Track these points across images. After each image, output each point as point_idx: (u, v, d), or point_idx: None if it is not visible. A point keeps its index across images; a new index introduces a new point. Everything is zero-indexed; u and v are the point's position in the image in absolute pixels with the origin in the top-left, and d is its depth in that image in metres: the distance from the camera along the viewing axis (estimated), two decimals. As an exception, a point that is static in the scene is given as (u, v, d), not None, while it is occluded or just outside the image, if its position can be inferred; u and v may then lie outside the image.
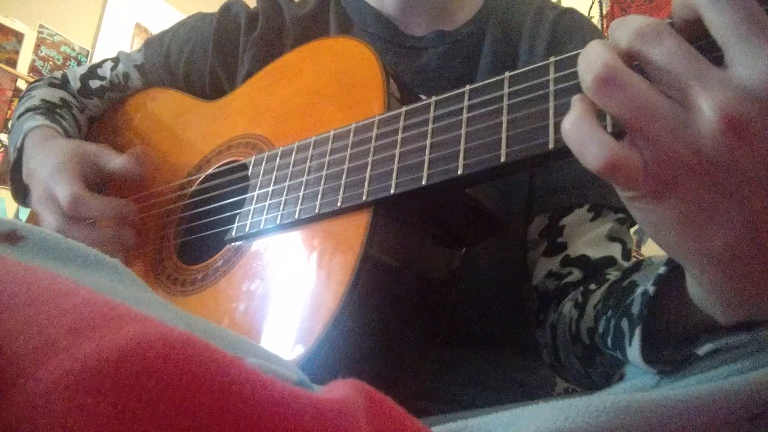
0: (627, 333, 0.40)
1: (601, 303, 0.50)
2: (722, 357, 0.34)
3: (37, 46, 2.90)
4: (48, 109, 0.81)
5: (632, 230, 0.65)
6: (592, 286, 0.56)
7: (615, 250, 0.59)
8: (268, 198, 0.55)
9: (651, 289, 0.38)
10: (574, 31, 0.70)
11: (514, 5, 0.75)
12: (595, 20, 2.16)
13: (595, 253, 0.60)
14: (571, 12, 0.74)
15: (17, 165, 0.75)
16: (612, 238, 0.60)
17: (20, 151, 0.74)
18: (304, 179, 0.53)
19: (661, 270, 0.38)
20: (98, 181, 0.71)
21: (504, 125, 0.41)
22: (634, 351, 0.38)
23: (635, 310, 0.39)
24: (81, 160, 0.68)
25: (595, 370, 0.51)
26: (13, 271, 0.22)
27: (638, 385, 0.37)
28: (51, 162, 0.67)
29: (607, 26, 2.12)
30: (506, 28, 0.72)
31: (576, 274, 0.60)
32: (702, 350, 0.34)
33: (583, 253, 0.60)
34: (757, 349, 0.33)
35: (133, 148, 0.72)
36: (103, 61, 0.90)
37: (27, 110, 0.81)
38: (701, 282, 0.34)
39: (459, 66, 0.70)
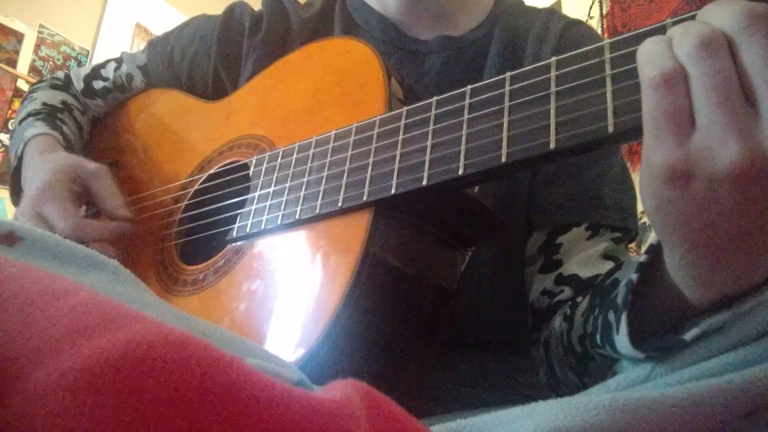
0: (614, 323, 0.40)
1: (587, 307, 0.50)
2: (711, 344, 0.34)
3: (37, 46, 2.90)
4: (49, 114, 0.81)
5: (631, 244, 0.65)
6: (579, 299, 0.57)
7: (606, 268, 0.59)
8: (269, 198, 0.55)
9: (634, 277, 0.39)
10: (580, 43, 0.69)
11: (521, 13, 0.75)
12: (595, 20, 2.16)
13: (586, 272, 0.60)
14: (579, 24, 0.74)
15: (18, 171, 0.75)
16: (606, 256, 0.61)
17: (20, 159, 0.74)
18: (305, 180, 0.53)
19: (642, 258, 0.39)
20: (87, 195, 0.70)
21: (505, 125, 0.41)
22: (622, 338, 0.38)
23: (620, 300, 0.40)
24: (69, 177, 0.67)
25: (590, 378, 0.52)
26: (14, 272, 0.22)
27: (631, 377, 0.37)
28: (40, 178, 0.66)
29: (608, 26, 2.12)
30: (512, 36, 0.71)
31: (567, 293, 0.60)
32: (688, 335, 0.35)
33: (575, 273, 0.60)
34: (745, 337, 0.33)
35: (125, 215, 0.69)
36: (107, 62, 0.90)
37: (29, 115, 0.81)
38: (685, 262, 0.34)
39: (463, 72, 0.70)
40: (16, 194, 0.77)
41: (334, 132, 0.53)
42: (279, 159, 0.57)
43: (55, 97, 0.86)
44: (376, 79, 0.54)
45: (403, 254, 0.49)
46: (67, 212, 0.63)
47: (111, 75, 0.87)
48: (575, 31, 0.72)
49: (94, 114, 0.91)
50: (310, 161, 0.53)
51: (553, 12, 0.76)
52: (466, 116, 0.44)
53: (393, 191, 0.46)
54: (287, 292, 0.50)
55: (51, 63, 2.95)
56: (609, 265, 0.60)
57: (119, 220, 0.68)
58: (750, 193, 0.29)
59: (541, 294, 0.63)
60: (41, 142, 0.75)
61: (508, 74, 0.43)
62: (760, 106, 0.28)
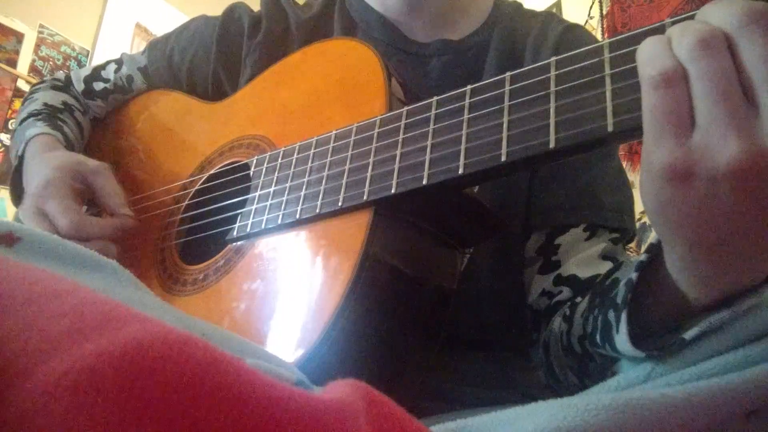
0: (614, 322, 0.40)
1: (586, 307, 0.50)
2: (711, 344, 0.34)
3: (38, 46, 2.90)
4: (50, 114, 0.81)
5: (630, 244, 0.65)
6: (578, 299, 0.57)
7: (605, 268, 0.60)
8: (270, 198, 0.55)
9: (633, 276, 0.39)
10: (579, 46, 0.70)
11: (520, 17, 0.75)
12: (595, 20, 2.16)
13: (585, 273, 0.60)
14: (577, 28, 0.74)
15: (19, 171, 0.75)
16: (605, 257, 0.61)
17: (21, 158, 0.75)
18: (305, 179, 0.53)
19: (642, 257, 0.39)
20: (89, 193, 0.69)
21: (505, 125, 0.41)
22: (621, 337, 0.38)
23: (620, 299, 0.40)
24: (71, 174, 0.67)
25: (590, 378, 0.52)
26: (14, 272, 0.22)
27: (631, 377, 0.37)
28: (41, 175, 0.66)
29: (608, 26, 2.12)
30: (511, 40, 0.72)
31: (566, 293, 0.61)
32: (689, 334, 0.35)
33: (573, 273, 0.61)
34: (745, 336, 0.34)
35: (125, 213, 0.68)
36: (107, 63, 0.90)
37: (30, 115, 0.81)
38: (685, 260, 0.34)
39: (463, 76, 0.70)
40: (17, 195, 0.77)
41: (334, 132, 0.53)
42: (280, 159, 0.57)
43: (56, 98, 0.86)
44: (377, 80, 0.54)
45: (403, 254, 0.49)
46: (69, 208, 0.63)
47: (111, 76, 0.88)
48: (574, 34, 0.72)
49: (95, 114, 0.91)
50: (310, 161, 0.53)
51: (552, 16, 0.76)
52: (466, 116, 0.44)
53: (393, 191, 0.46)
54: (287, 292, 0.50)
55: (51, 63, 2.95)
56: (607, 265, 0.60)
57: (121, 217, 0.67)
58: (750, 191, 0.29)
59: (540, 295, 0.63)
60: (42, 142, 0.75)
61: (508, 74, 0.43)
62: (759, 103, 0.29)
